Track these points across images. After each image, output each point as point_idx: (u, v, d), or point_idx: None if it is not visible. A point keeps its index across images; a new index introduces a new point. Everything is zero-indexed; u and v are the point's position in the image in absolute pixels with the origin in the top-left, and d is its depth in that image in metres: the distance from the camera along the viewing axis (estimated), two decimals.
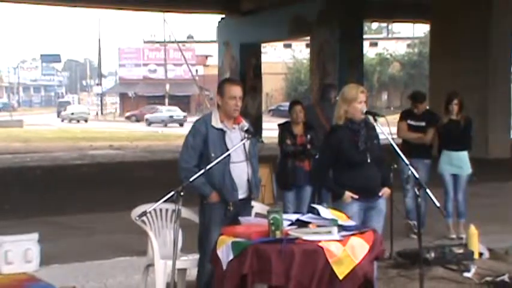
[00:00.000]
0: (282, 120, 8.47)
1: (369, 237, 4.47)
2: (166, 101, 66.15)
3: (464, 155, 8.41)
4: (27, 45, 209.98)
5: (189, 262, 5.51)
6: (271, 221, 4.33)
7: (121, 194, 11.76)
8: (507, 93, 20.43)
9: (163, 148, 25.98)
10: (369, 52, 60.90)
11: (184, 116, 53.33)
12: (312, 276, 4.16)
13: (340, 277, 4.19)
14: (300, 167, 7.69)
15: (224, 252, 4.40)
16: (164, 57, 67.20)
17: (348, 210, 5.07)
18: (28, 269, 6.64)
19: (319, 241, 4.25)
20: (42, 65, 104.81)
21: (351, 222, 4.70)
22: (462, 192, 8.42)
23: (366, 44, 32.80)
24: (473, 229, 7.22)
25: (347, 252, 4.25)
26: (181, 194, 4.56)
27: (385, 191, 5.40)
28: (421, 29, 59.48)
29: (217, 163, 4.92)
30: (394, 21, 48.98)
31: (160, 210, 5.57)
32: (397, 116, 9.00)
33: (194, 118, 8.06)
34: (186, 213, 5.43)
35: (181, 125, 50.52)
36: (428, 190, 4.99)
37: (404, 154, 5.05)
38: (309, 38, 26.29)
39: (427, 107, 8.67)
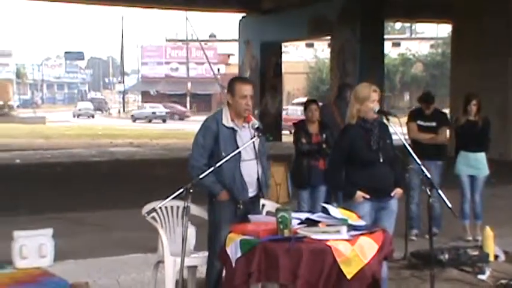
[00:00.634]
0: None
1: (379, 237, 4.44)
2: (188, 99, 66.39)
3: (481, 156, 8.32)
4: (51, 42, 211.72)
5: (200, 259, 5.51)
6: (280, 220, 4.32)
7: (138, 192, 11.79)
8: None
9: (182, 146, 26.03)
10: (392, 52, 60.58)
11: (166, 113, 57.33)
12: (319, 275, 4.14)
13: (348, 277, 4.17)
14: (315, 166, 7.66)
15: (233, 250, 4.40)
16: (186, 56, 67.40)
17: (359, 210, 5.03)
18: (42, 264, 6.71)
19: (328, 240, 4.23)
20: (65, 62, 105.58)
21: (361, 222, 4.66)
22: (479, 194, 8.33)
23: (388, 44, 32.68)
24: (488, 231, 7.15)
25: (356, 252, 4.22)
26: (191, 191, 4.56)
27: (397, 191, 5.35)
28: (445, 30, 59.04)
29: (227, 161, 4.91)
30: (417, 21, 48.56)
31: (172, 207, 5.58)
32: None
33: None
34: (196, 210, 5.44)
35: (164, 121, 55.06)
36: (440, 191, 4.95)
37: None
38: (329, 37, 26.22)
39: (436, 107, 8.56)
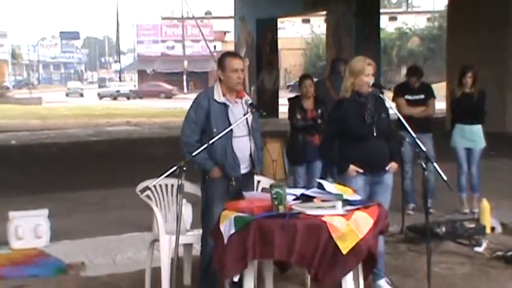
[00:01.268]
0: None
1: (374, 211, 4.41)
2: (184, 77, 66.15)
3: (477, 128, 8.27)
4: (47, 22, 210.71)
5: (195, 237, 5.49)
6: (274, 196, 4.28)
7: (135, 170, 11.74)
8: None
9: (180, 124, 25.97)
10: (388, 27, 60.31)
11: (130, 90, 61.86)
12: (314, 251, 4.11)
13: (344, 252, 4.14)
14: (310, 141, 7.60)
15: (227, 227, 4.36)
16: (182, 34, 67.04)
17: (353, 184, 4.99)
18: (38, 245, 6.70)
19: (323, 216, 4.20)
20: (61, 42, 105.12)
21: (356, 197, 4.63)
22: (476, 166, 8.28)
23: (385, 18, 32.48)
24: (485, 203, 7.13)
25: (351, 227, 4.19)
26: (184, 168, 4.52)
27: (392, 166, 5.29)
28: (442, 3, 58.75)
29: (220, 138, 4.86)
30: None
31: (166, 185, 5.54)
32: None
33: None
34: (191, 188, 5.40)
35: (128, 98, 58.09)
36: (435, 164, 4.92)
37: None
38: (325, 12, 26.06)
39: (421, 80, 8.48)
